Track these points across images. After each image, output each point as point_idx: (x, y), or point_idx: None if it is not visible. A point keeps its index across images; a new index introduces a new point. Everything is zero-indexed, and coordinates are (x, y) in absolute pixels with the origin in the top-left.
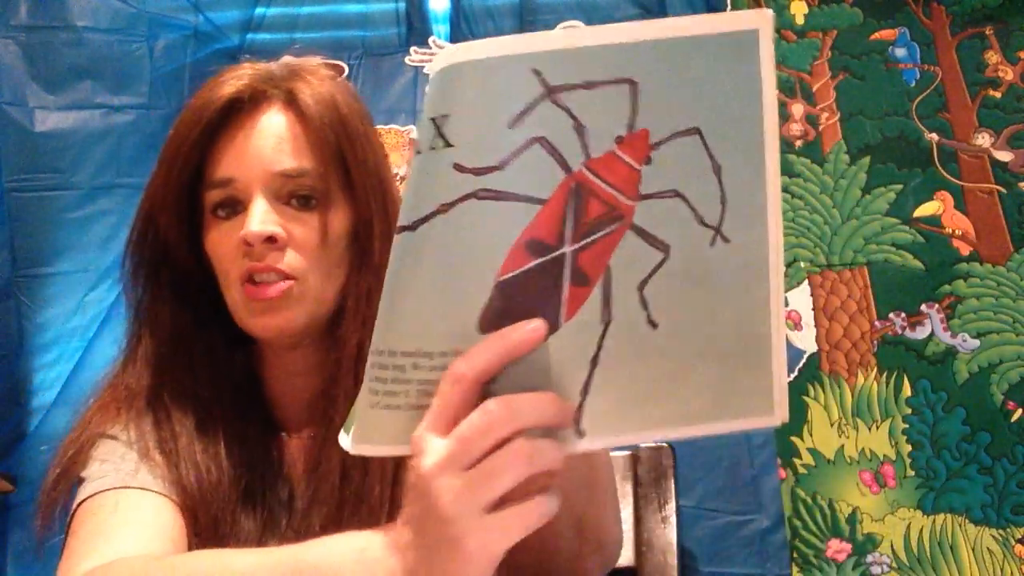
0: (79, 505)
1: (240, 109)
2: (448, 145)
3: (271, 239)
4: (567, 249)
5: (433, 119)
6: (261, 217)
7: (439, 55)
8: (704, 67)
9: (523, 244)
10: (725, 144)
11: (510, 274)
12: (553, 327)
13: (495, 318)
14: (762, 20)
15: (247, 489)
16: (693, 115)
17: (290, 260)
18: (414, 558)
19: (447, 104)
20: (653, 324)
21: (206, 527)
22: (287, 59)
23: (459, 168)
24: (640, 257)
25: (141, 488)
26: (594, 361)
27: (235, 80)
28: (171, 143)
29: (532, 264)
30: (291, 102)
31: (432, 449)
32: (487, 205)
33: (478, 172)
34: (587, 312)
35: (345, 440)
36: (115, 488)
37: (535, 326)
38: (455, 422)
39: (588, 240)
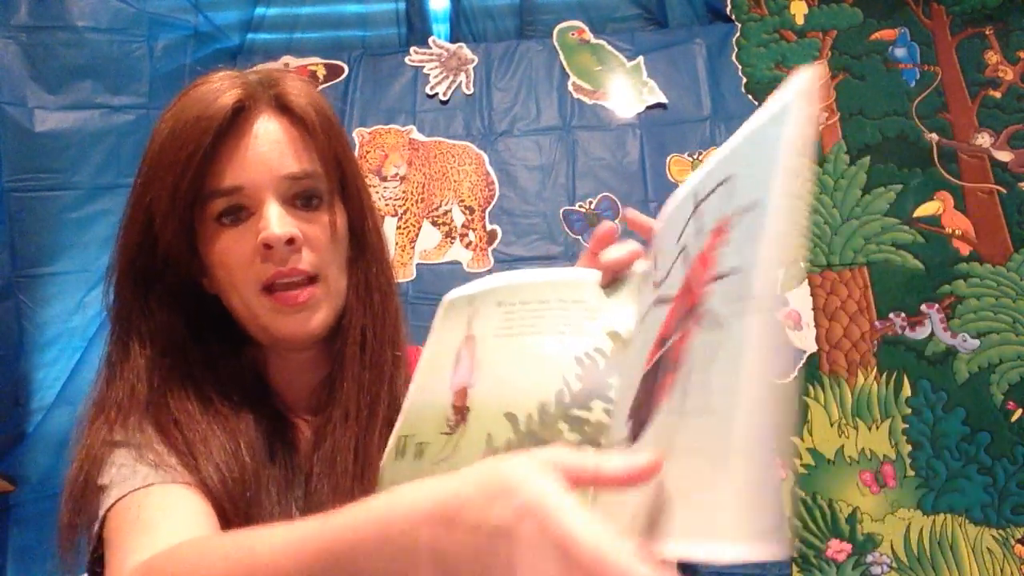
0: (108, 511)
1: (234, 118)
2: (655, 267)
3: (291, 240)
4: (673, 339)
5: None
6: (279, 220)
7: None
8: (767, 141)
9: (659, 340)
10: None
11: (646, 369)
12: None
13: (633, 409)
14: (799, 84)
15: (269, 474)
16: (758, 187)
17: (308, 259)
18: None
19: (658, 244)
20: (711, 412)
21: (233, 516)
22: (287, 59)
23: (655, 284)
24: (709, 341)
25: (165, 484)
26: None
27: (226, 89)
28: (169, 154)
29: (656, 357)
30: (281, 107)
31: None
32: (658, 310)
33: (657, 284)
34: (672, 399)
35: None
36: (141, 487)
37: (649, 463)
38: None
39: (681, 327)
